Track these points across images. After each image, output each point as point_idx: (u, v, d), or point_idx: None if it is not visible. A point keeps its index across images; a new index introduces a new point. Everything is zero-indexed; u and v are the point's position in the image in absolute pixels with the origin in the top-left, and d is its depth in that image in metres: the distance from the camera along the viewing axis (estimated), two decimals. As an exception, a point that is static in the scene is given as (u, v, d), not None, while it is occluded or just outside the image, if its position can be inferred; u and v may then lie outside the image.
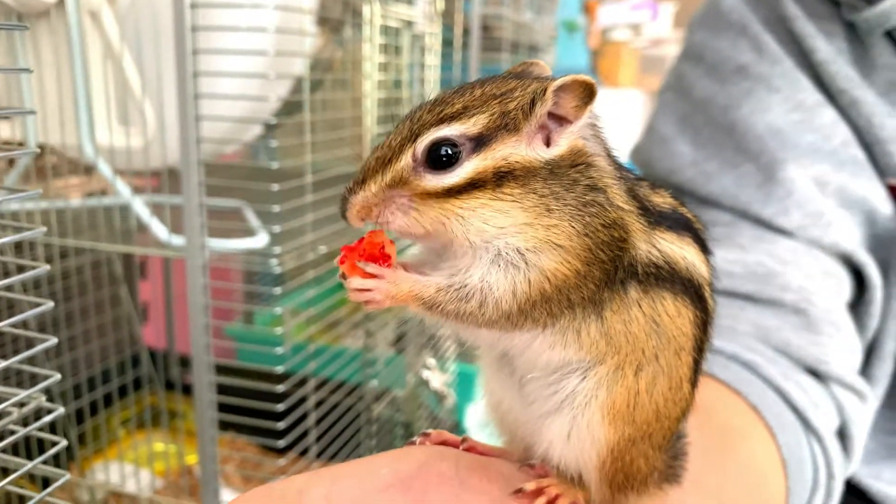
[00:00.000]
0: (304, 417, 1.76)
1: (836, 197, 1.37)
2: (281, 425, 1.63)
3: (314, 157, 1.63)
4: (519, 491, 0.71)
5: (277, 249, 1.56)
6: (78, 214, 1.81)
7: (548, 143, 0.70)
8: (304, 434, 1.78)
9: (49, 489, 0.91)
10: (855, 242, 1.36)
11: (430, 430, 0.81)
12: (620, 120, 5.08)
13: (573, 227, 0.68)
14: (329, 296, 1.89)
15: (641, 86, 5.49)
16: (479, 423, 2.64)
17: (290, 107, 1.77)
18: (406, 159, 0.69)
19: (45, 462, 0.93)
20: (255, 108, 1.66)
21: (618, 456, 0.72)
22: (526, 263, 0.68)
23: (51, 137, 1.64)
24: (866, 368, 1.41)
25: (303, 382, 1.74)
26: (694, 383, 0.76)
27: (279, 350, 1.64)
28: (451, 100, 0.70)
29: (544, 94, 0.68)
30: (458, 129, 0.69)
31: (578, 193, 0.68)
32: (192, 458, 2.45)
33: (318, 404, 1.80)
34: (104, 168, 1.63)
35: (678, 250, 0.73)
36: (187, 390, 2.45)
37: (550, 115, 0.70)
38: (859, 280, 1.39)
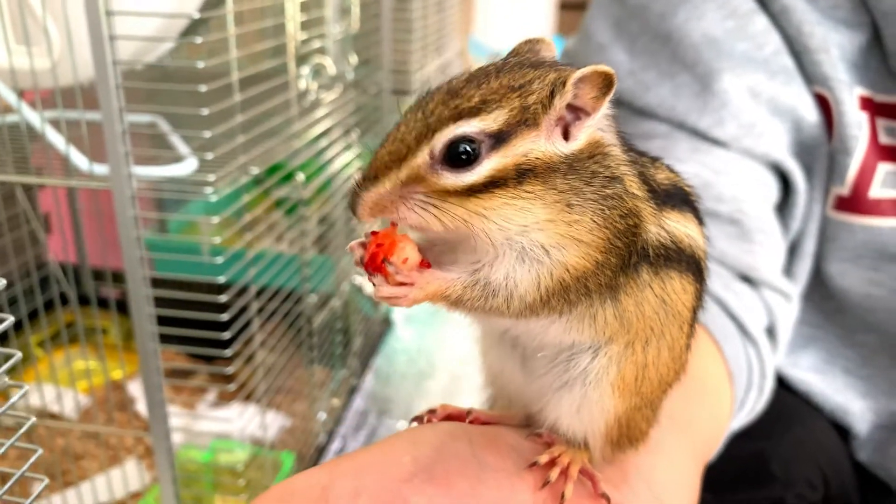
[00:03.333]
0: (247, 325, 1.73)
1: (767, 106, 1.41)
2: (227, 339, 1.61)
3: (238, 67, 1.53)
4: (534, 464, 0.75)
5: (212, 177, 1.48)
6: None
7: (565, 135, 0.69)
8: (249, 341, 1.77)
9: (12, 401, 0.87)
10: (784, 151, 1.42)
11: (434, 407, 0.83)
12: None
13: (594, 221, 0.68)
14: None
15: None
16: (405, 318, 2.71)
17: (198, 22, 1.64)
18: (423, 156, 0.66)
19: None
20: (169, 23, 1.53)
21: (624, 423, 0.76)
22: (549, 258, 0.68)
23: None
24: (788, 266, 1.51)
25: (220, 290, 1.66)
26: (689, 347, 0.80)
27: (219, 259, 1.56)
28: (468, 92, 0.67)
29: (564, 87, 0.66)
30: (478, 125, 0.65)
31: (598, 187, 0.68)
32: (117, 373, 2.41)
33: (261, 311, 1.78)
34: (6, 93, 1.49)
35: (683, 229, 0.75)
36: (104, 304, 2.37)
37: (568, 106, 0.68)
38: (785, 184, 1.47)
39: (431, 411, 0.82)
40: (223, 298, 1.56)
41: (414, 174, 0.67)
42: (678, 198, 0.77)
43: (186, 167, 1.55)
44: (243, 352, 1.75)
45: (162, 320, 1.58)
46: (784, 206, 1.48)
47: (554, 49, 0.76)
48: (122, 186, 1.47)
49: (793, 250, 1.51)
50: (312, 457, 2.03)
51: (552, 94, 0.67)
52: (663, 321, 0.74)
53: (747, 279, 1.39)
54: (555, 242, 0.68)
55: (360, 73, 2.12)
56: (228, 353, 1.60)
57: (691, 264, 0.76)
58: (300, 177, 1.77)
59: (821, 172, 1.45)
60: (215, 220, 1.50)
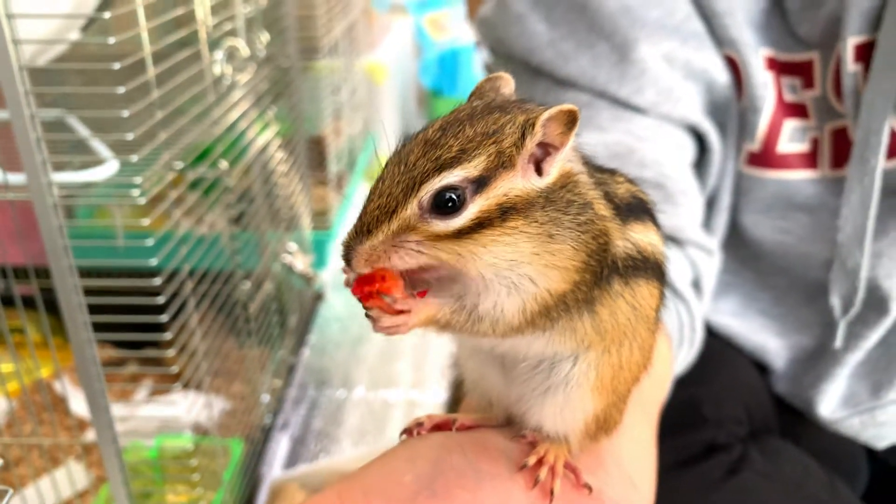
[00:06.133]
0: (185, 323, 1.72)
1: (682, 71, 1.48)
2: (168, 341, 1.59)
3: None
4: (524, 466, 0.80)
5: (138, 179, 1.43)
6: None
7: (538, 170, 0.73)
8: (190, 335, 1.75)
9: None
10: (699, 113, 1.50)
11: (421, 418, 0.87)
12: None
13: (573, 247, 0.73)
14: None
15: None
16: (334, 285, 2.71)
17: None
18: (412, 208, 0.70)
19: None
20: (70, 21, 1.46)
21: (601, 418, 0.83)
22: (536, 287, 0.73)
23: None
24: (707, 221, 1.61)
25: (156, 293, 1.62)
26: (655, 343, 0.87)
27: (154, 261, 1.52)
28: (446, 142, 0.71)
29: (534, 128, 0.71)
30: (460, 174, 0.70)
31: (573, 214, 0.74)
32: (45, 371, 2.33)
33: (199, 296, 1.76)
34: None
35: (645, 238, 0.81)
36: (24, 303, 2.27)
37: (538, 143, 0.73)
38: (701, 143, 1.55)
39: (419, 424, 0.87)
40: (161, 300, 1.54)
41: (405, 225, 0.71)
42: (639, 209, 0.82)
43: (107, 170, 1.50)
44: (182, 343, 1.73)
45: (97, 325, 1.54)
46: (700, 164, 1.57)
47: (511, 84, 0.79)
48: (43, 197, 1.41)
49: (710, 205, 1.61)
50: (259, 439, 2.05)
51: (523, 136, 0.71)
52: (634, 325, 0.80)
53: (672, 239, 1.47)
54: (541, 273, 0.73)
55: (271, 48, 2.07)
56: (171, 353, 1.59)
57: (655, 269, 0.82)
58: (223, 164, 1.74)
59: (733, 130, 1.54)
60: (146, 222, 1.47)
